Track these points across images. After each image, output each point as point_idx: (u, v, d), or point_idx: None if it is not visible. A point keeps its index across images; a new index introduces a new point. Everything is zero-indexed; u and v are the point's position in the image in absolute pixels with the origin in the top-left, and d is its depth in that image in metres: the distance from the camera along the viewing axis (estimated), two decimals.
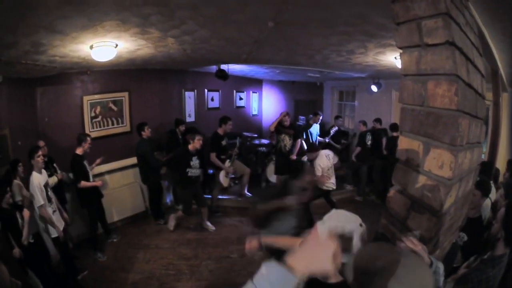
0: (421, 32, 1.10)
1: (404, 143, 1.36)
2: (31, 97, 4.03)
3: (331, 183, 4.54)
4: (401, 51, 1.28)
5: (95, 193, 3.98)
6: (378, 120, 6.22)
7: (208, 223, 4.76)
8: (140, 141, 4.71)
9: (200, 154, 4.52)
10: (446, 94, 1.07)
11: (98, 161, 4.22)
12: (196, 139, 4.31)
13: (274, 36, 3.23)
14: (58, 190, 3.75)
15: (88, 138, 3.85)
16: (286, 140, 5.51)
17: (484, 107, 1.41)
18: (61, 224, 3.34)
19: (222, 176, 5.22)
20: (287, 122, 5.48)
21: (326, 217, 1.39)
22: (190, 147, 4.34)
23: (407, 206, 1.29)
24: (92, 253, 3.92)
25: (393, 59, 3.92)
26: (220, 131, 5.18)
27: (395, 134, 5.43)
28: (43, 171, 3.33)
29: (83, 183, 3.76)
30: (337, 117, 7.12)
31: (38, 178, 3.15)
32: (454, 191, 1.25)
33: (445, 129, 1.12)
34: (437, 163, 1.18)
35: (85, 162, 3.87)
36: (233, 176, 5.83)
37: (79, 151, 3.79)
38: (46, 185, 3.26)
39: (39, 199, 3.07)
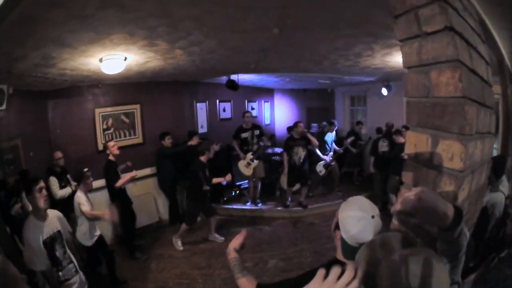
0: (419, 22, 1.08)
1: (412, 138, 1.32)
2: (43, 109, 4.16)
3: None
4: (401, 43, 1.26)
5: (126, 198, 4.23)
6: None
7: (216, 235, 4.62)
8: (159, 148, 5.02)
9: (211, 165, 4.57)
10: (450, 82, 1.03)
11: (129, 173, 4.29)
12: (212, 148, 4.27)
13: (280, 43, 3.26)
14: (71, 201, 3.84)
15: (110, 143, 4.09)
16: (300, 152, 5.39)
17: (492, 95, 1.36)
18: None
19: (241, 165, 5.38)
20: (298, 134, 5.38)
21: (342, 205, 1.28)
22: (203, 158, 4.18)
23: None
24: (130, 255, 4.14)
25: (400, 59, 3.86)
26: (244, 124, 5.54)
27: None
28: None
29: (120, 182, 3.94)
30: (358, 123, 6.91)
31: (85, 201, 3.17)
32: (467, 184, 1.19)
33: (452, 119, 1.08)
34: (447, 155, 1.14)
35: (118, 169, 4.10)
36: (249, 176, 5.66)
37: (111, 157, 4.07)
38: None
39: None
